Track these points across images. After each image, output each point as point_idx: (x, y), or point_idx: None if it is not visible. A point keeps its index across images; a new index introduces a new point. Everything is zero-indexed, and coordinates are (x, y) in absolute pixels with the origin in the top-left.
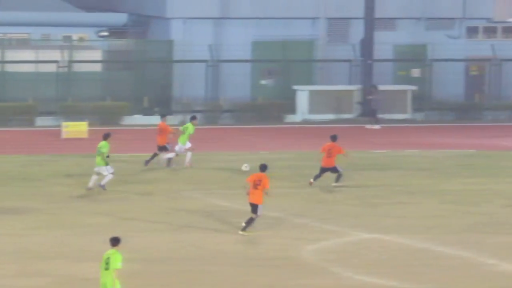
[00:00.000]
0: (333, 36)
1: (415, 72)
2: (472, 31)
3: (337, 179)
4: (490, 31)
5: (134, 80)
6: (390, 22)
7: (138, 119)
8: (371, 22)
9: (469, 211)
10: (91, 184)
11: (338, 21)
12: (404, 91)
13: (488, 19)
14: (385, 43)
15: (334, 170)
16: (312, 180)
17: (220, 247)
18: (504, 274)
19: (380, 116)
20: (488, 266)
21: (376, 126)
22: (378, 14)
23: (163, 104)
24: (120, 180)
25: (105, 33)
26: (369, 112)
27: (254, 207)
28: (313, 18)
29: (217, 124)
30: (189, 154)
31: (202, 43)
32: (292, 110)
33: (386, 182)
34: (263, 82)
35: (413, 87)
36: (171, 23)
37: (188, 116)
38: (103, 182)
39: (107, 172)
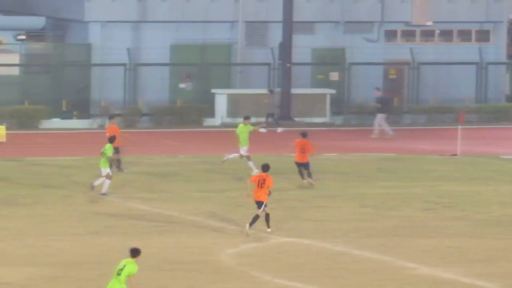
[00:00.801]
0: (252, 40)
1: (334, 76)
2: (390, 35)
3: (309, 176)
4: (408, 35)
5: (52, 83)
6: (308, 26)
7: (56, 123)
8: (289, 25)
9: (388, 215)
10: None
11: (257, 25)
12: (323, 95)
13: (406, 23)
14: (304, 46)
15: (306, 166)
16: (305, 181)
17: None
18: (423, 277)
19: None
20: (407, 270)
21: (279, 129)
22: (296, 17)
23: (81, 107)
24: (39, 184)
25: (23, 37)
26: (267, 116)
27: (260, 204)
28: (232, 22)
29: (135, 127)
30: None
31: (120, 47)
32: (211, 113)
33: (306, 186)
34: (181, 85)
35: (332, 91)
36: (89, 27)
37: (107, 120)
38: (98, 184)
39: (104, 174)
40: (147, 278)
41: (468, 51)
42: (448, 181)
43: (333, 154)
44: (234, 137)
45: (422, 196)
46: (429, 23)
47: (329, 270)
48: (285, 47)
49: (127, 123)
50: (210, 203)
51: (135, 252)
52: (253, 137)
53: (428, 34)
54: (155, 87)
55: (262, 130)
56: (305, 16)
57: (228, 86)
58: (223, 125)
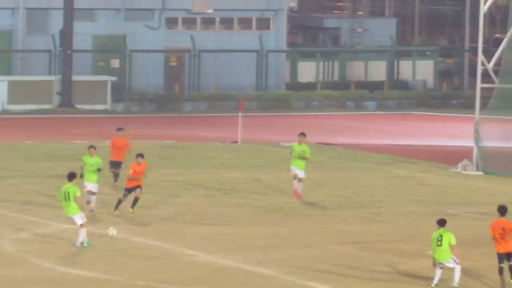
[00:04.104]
0: (33, 27)
1: (115, 63)
2: (171, 22)
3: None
4: (189, 22)
5: None
6: (89, 13)
7: None
8: (70, 12)
9: (169, 202)
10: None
11: (38, 11)
12: (104, 82)
13: (188, 11)
14: (85, 33)
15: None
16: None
17: None
18: (203, 264)
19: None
20: (187, 257)
21: None
22: (77, 4)
23: None
24: None
25: None
26: None
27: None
28: (12, 8)
29: None
30: None
31: None
32: None
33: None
34: None
35: (113, 78)
36: None
37: None
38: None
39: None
40: None
41: (249, 39)
42: (228, 169)
43: None
44: (16, 123)
45: (203, 183)
46: (210, 10)
47: (111, 257)
48: (66, 34)
49: None
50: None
51: (71, 176)
52: (50, 123)
53: (208, 22)
54: None
55: None
56: (86, 3)
57: (9, 73)
58: (4, 111)
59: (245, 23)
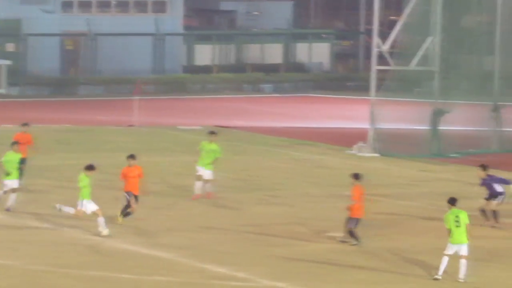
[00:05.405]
0: None
1: (10, 47)
2: (67, 6)
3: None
4: (85, 6)
5: None
6: None
7: None
8: None
9: (66, 186)
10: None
11: None
12: None
13: None
14: None
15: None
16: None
17: None
18: (101, 248)
19: None
20: (84, 241)
21: None
22: None
23: None
24: None
25: None
26: None
27: None
28: None
29: None
30: None
31: None
32: None
33: None
34: None
35: (8, 62)
36: None
37: None
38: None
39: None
40: None
41: (145, 22)
42: (126, 152)
43: (10, 125)
44: None
45: (101, 167)
46: None
47: (6, 242)
48: None
49: None
50: None
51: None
52: None
53: (104, 5)
54: None
55: None
56: None
57: None
58: None
59: (141, 6)
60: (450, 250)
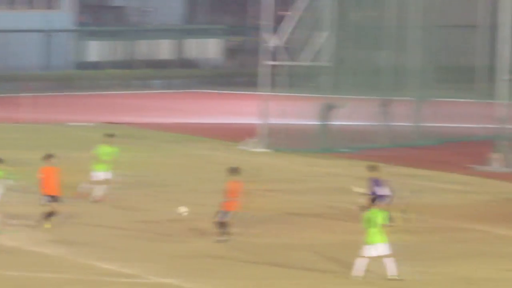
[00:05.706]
0: None
1: None
2: None
3: None
4: None
5: None
6: None
7: None
8: None
9: None
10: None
11: None
12: None
13: None
14: None
15: None
16: None
17: None
18: None
19: None
20: None
21: None
22: None
23: None
24: None
25: None
26: None
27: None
28: None
29: None
30: None
31: None
32: None
33: None
34: None
35: None
36: None
37: None
38: None
39: None
40: None
41: (35, 18)
42: (16, 150)
43: None
44: None
45: None
46: None
47: None
48: None
49: None
50: None
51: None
52: None
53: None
54: None
55: None
56: None
57: None
58: None
59: (30, 2)
60: (367, 251)
